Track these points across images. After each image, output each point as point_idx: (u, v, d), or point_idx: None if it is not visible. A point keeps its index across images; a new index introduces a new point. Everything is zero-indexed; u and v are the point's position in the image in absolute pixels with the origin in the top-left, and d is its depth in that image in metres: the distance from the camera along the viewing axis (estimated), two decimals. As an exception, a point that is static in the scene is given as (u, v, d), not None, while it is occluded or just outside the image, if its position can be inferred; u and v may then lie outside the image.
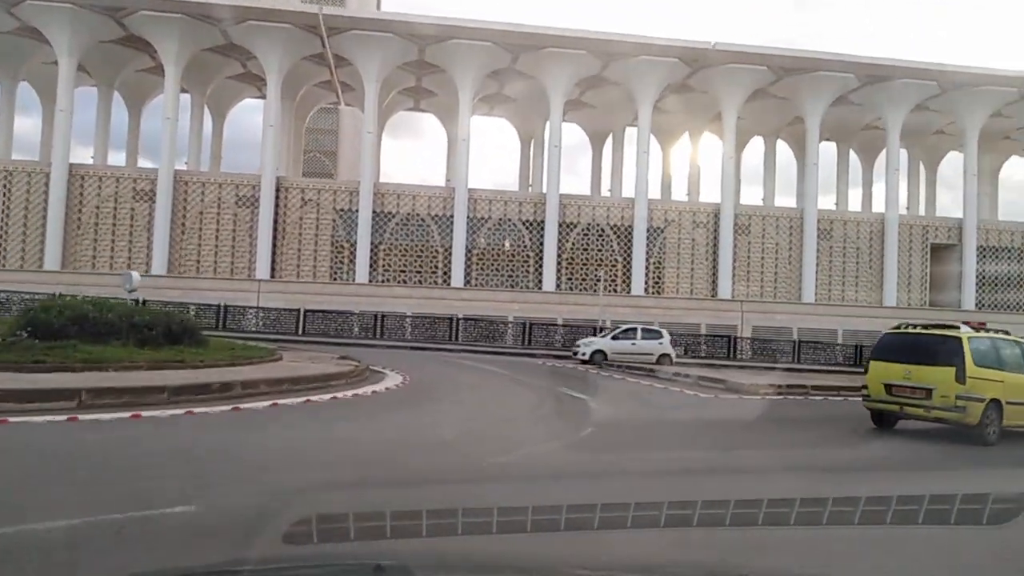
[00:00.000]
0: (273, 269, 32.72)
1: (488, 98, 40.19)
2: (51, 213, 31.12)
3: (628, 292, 33.70)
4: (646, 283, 34.39)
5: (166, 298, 27.91)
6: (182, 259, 32.69)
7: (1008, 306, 36.40)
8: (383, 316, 28.84)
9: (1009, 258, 36.99)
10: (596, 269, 33.97)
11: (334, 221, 33.67)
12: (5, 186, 31.41)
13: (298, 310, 28.82)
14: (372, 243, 33.06)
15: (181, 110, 33.94)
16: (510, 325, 28.54)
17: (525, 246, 34.55)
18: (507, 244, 34.49)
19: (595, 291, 31.84)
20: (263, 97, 35.37)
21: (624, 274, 34.54)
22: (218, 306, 28.07)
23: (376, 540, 3.12)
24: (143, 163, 38.42)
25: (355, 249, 32.86)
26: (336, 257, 33.64)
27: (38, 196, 31.50)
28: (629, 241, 34.55)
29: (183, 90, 34.18)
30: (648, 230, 34.48)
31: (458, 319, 29.37)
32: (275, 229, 32.73)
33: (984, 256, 36.40)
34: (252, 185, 32.98)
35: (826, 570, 4.07)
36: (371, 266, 33.02)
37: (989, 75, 33.81)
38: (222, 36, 32.08)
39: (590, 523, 3.68)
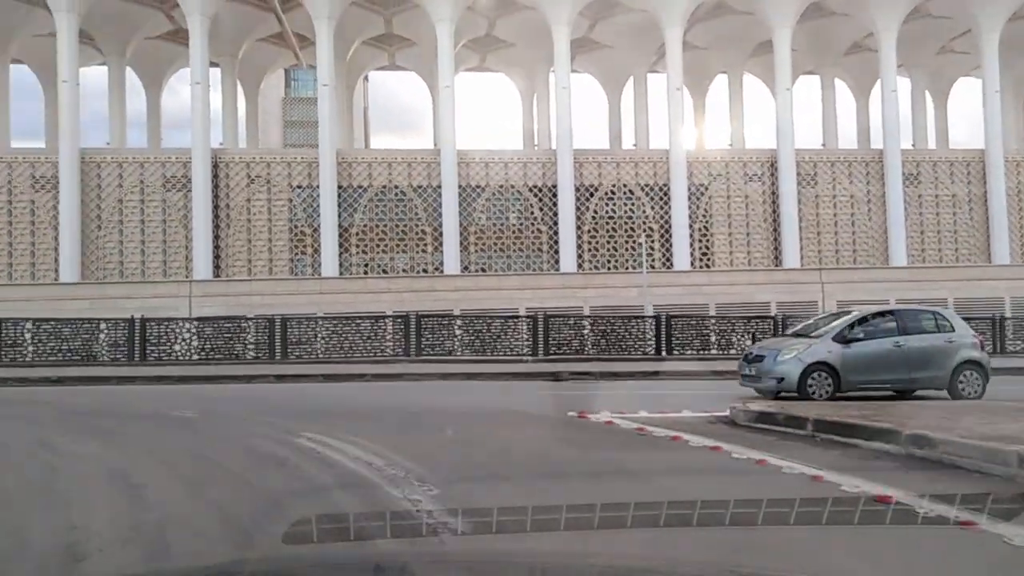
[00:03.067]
0: (217, 266, 25.66)
1: (477, 43, 32.90)
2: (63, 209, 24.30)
3: (669, 267, 26.40)
4: (692, 254, 27.08)
5: (74, 311, 21.08)
6: (230, 259, 25.47)
7: None
8: (355, 320, 20.87)
9: None
10: (628, 239, 26.69)
11: (290, 200, 26.51)
12: (8, 179, 24.31)
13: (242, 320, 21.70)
14: (340, 226, 25.95)
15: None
16: (523, 321, 20.33)
17: (535, 218, 27.30)
18: (512, 217, 27.24)
19: (632, 266, 24.61)
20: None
21: (663, 245, 27.23)
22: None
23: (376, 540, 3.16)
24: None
25: (318, 234, 25.75)
26: (296, 246, 26.50)
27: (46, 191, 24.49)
28: (666, 203, 27.24)
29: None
30: (689, 189, 27.17)
31: (453, 318, 21.98)
32: (215, 213, 25.63)
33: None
34: (183, 163, 25.84)
35: (825, 570, 3.67)
36: (340, 255, 25.90)
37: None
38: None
39: (590, 523, 3.58)
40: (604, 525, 3.56)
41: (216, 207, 25.72)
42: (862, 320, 12.03)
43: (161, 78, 34.54)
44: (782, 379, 11.12)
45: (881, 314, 12.75)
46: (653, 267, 26.34)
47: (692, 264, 26.87)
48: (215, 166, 25.85)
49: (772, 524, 3.73)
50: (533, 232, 27.17)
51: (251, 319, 20.08)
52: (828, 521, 3.77)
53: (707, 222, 27.83)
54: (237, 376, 16.41)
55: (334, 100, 27.24)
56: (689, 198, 27.09)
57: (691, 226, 27.11)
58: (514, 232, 27.16)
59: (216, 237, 25.68)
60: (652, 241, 26.86)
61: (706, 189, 27.96)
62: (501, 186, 27.15)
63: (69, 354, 18.75)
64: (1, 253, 25.25)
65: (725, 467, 6.15)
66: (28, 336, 19.09)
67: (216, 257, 25.67)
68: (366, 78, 46.33)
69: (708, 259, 27.64)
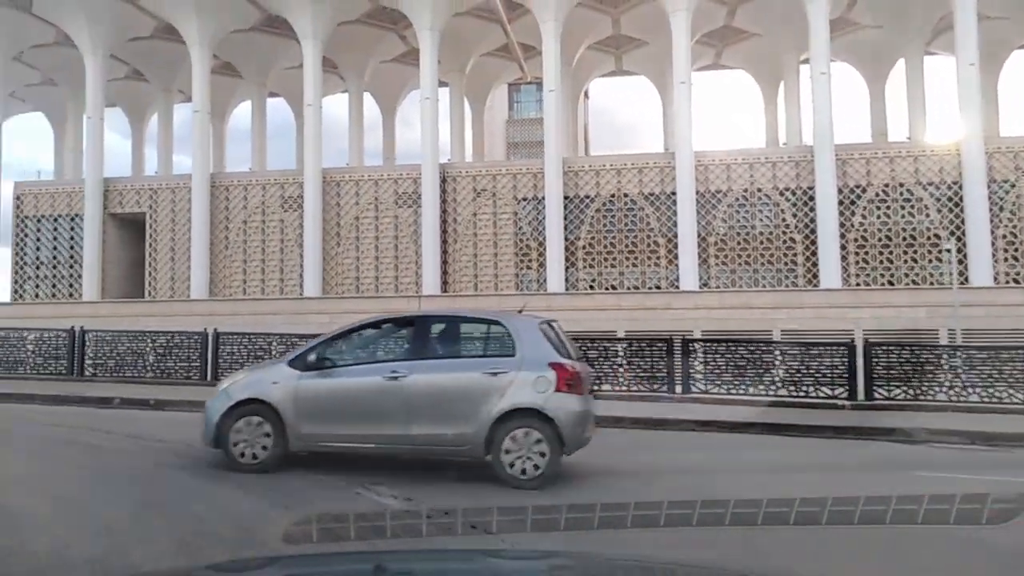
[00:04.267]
0: (445, 281, 25.27)
1: (713, 37, 29.94)
2: (195, 231, 26.39)
3: (964, 281, 21.38)
4: (995, 266, 21.78)
5: (316, 325, 21.51)
6: (456, 273, 25.94)
7: None
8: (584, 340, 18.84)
9: None
10: (909, 248, 22.12)
11: (515, 214, 25.45)
12: (262, 200, 26.78)
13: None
14: (566, 239, 24.36)
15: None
16: (777, 349, 16.11)
17: (787, 225, 23.68)
18: (758, 225, 23.85)
19: (915, 281, 20.16)
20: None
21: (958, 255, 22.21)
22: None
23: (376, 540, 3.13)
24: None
25: (543, 248, 24.36)
26: (521, 261, 25.33)
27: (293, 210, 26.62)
28: (957, 204, 22.25)
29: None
30: (988, 186, 21.96)
31: (687, 341, 19.13)
32: (443, 228, 25.26)
33: None
34: (413, 179, 25.87)
35: (826, 570, 3.88)
36: (566, 269, 24.26)
37: None
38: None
39: (590, 523, 3.47)
40: (604, 525, 3.22)
41: (444, 221, 25.37)
42: (352, 331, 7.63)
43: (395, 100, 35.77)
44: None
45: (390, 322, 8.24)
46: (938, 281, 21.54)
47: (995, 279, 21.58)
48: (443, 180, 25.56)
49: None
50: (784, 242, 23.55)
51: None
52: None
53: (1015, 226, 22.30)
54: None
55: (560, 106, 25.84)
56: (989, 198, 21.88)
57: (993, 232, 21.84)
58: (761, 242, 23.74)
59: (444, 252, 25.31)
60: (940, 251, 21.97)
61: (1012, 187, 22.47)
62: (745, 190, 23.90)
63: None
64: (255, 269, 26.91)
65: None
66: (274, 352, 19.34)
67: (444, 272, 25.28)
68: (586, 94, 45.02)
69: (1019, 272, 22.09)
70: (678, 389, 13.69)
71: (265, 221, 27.03)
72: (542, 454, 6.58)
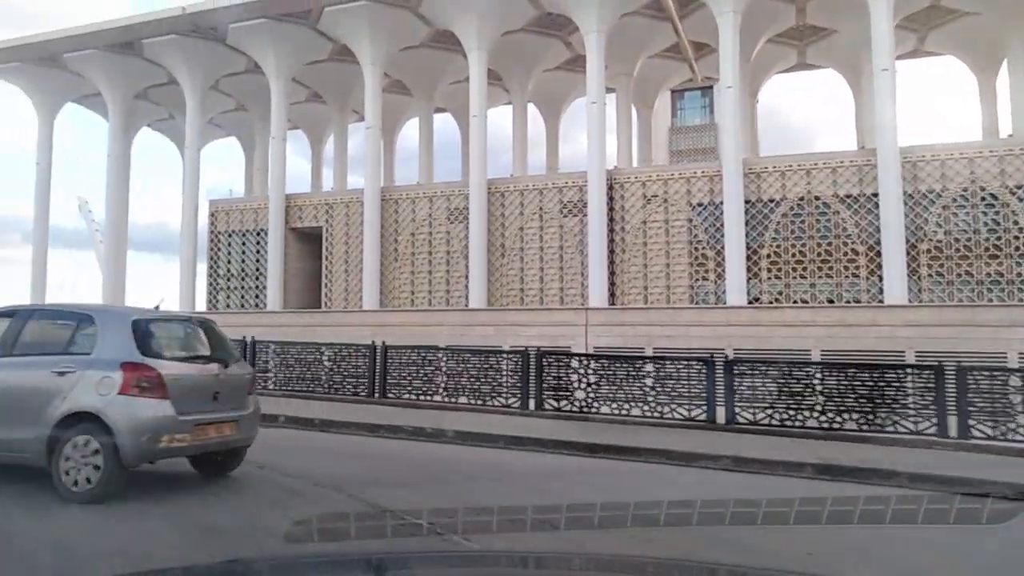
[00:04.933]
0: (612, 292, 23.99)
1: (916, 19, 26.52)
2: (367, 243, 27.04)
3: None
4: None
5: (479, 337, 21.17)
6: (625, 285, 25.25)
7: None
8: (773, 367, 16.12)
9: None
10: None
11: (690, 220, 23.68)
12: (429, 212, 27.54)
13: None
14: (748, 247, 22.27)
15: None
16: None
17: (1020, 228, 20.12)
18: (983, 229, 20.45)
19: None
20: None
21: None
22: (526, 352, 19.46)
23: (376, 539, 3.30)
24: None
25: (721, 258, 22.41)
26: (696, 271, 23.50)
27: (459, 221, 27.00)
28: None
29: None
30: None
31: (906, 369, 16.38)
32: (611, 237, 24.02)
33: None
34: (579, 186, 24.89)
35: (826, 570, 3.86)
36: (748, 280, 22.14)
37: None
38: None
39: (590, 522, 3.62)
40: (604, 525, 3.41)
41: (611, 230, 24.13)
42: None
43: (559, 109, 35.17)
44: None
45: None
46: None
47: None
48: (610, 187, 24.36)
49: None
50: (1017, 248, 20.01)
51: (646, 358, 17.45)
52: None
53: None
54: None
55: (737, 104, 23.82)
56: None
57: None
58: (985, 249, 20.35)
59: (611, 262, 24.06)
60: None
61: None
62: (965, 189, 20.63)
63: (474, 393, 14.92)
64: (423, 280, 27.11)
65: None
66: (443, 365, 18.25)
67: (611, 284, 24.02)
68: (756, 96, 42.06)
69: None
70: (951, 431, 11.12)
71: (432, 233, 27.18)
72: (96, 466, 5.94)
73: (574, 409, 13.81)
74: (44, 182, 32.08)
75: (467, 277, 26.05)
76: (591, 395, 13.84)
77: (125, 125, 32.22)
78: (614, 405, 13.68)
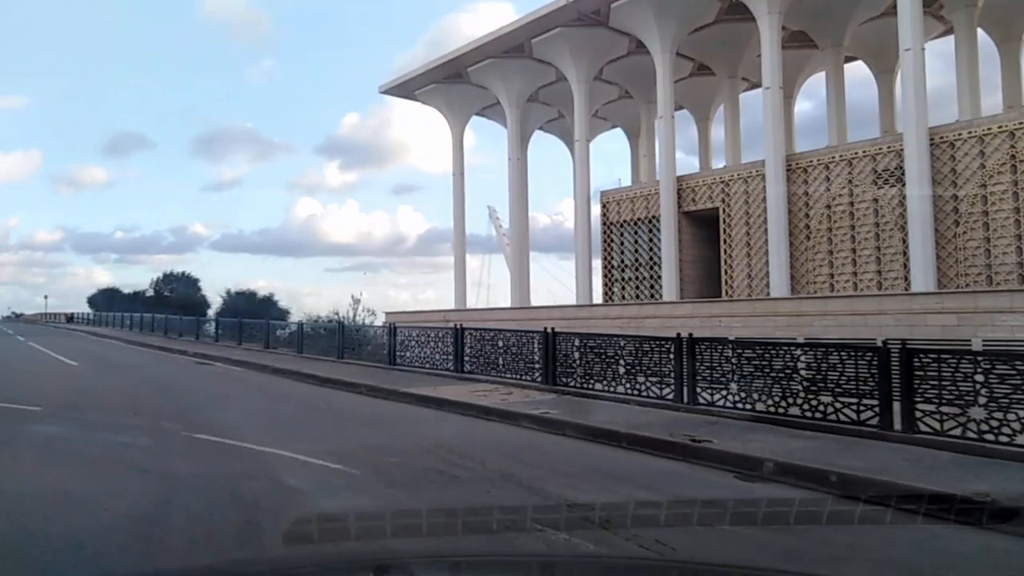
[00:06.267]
0: None
1: None
2: (771, 221, 23.56)
3: None
4: None
5: (939, 331, 16.52)
6: (957, 263, 20.09)
7: None
8: None
9: None
10: None
11: None
12: (849, 178, 24.45)
13: None
14: None
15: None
16: None
17: None
18: None
19: None
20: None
21: None
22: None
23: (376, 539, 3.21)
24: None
25: None
26: None
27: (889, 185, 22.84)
28: None
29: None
30: None
31: None
32: None
33: None
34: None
35: (825, 569, 3.78)
36: None
37: None
38: None
39: (590, 522, 3.78)
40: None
41: None
42: None
43: (1020, 32, 27.01)
44: None
45: None
46: None
47: None
48: None
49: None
50: None
51: None
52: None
53: None
54: None
55: None
56: None
57: None
58: None
59: None
60: None
61: None
62: None
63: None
64: (844, 261, 22.63)
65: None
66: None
67: None
68: None
69: None
70: None
71: (853, 203, 22.50)
72: None
73: None
74: (459, 191, 35.22)
75: (905, 254, 20.90)
76: None
77: (521, 130, 33.64)
78: None
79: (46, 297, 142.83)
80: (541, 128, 38.27)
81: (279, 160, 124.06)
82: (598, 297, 30.17)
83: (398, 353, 16.50)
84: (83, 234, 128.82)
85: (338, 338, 18.31)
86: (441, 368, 15.08)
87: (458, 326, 15.02)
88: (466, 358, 14.57)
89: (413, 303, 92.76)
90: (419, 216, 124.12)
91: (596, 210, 30.32)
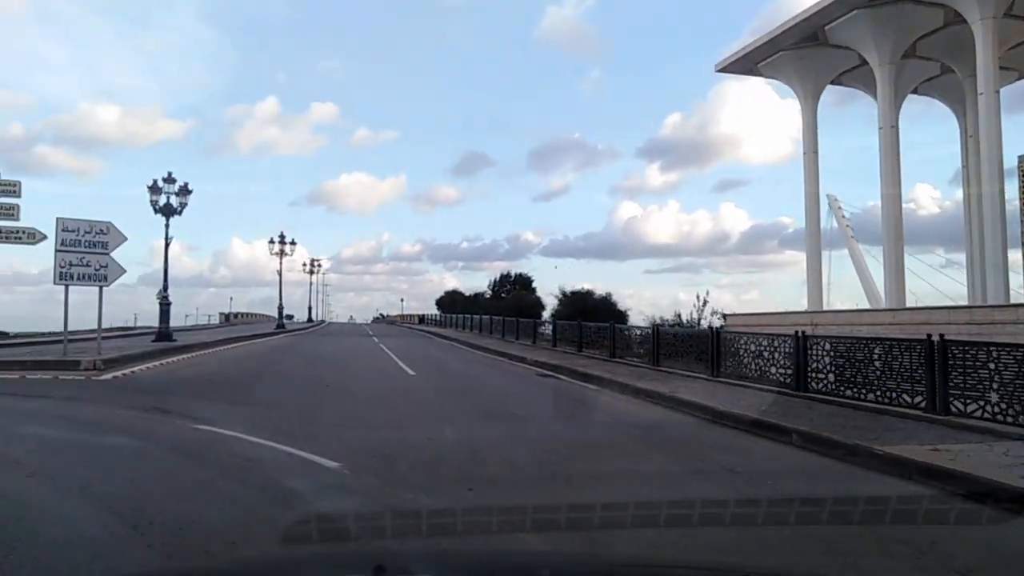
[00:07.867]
0: None
1: None
2: None
3: None
4: None
5: None
6: None
7: None
8: None
9: None
10: None
11: None
12: None
13: None
14: None
15: None
16: None
17: None
18: None
19: None
20: None
21: None
22: None
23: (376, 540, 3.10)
24: None
25: None
26: None
27: None
28: None
29: None
30: None
31: None
32: None
33: None
34: None
35: (825, 570, 3.66)
36: None
37: None
38: None
39: (590, 523, 3.59)
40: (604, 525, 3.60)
41: None
42: None
43: None
44: None
45: None
46: None
47: None
48: None
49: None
50: None
51: None
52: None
53: None
54: None
55: None
56: None
57: None
58: None
59: None
60: None
61: None
62: None
63: None
64: None
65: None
66: None
67: None
68: None
69: None
70: None
71: None
72: None
73: None
74: (812, 172, 30.16)
75: None
76: None
77: (893, 94, 27.48)
78: None
79: (402, 300, 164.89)
80: (916, 92, 31.38)
81: (603, 166, 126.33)
82: (1013, 296, 23.10)
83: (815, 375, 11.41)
84: (437, 245, 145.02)
85: (710, 347, 14.85)
86: (897, 402, 9.66)
87: (935, 339, 9.37)
88: (951, 388, 9.02)
89: (736, 304, 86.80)
90: (742, 213, 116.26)
91: (1011, 186, 23.28)
